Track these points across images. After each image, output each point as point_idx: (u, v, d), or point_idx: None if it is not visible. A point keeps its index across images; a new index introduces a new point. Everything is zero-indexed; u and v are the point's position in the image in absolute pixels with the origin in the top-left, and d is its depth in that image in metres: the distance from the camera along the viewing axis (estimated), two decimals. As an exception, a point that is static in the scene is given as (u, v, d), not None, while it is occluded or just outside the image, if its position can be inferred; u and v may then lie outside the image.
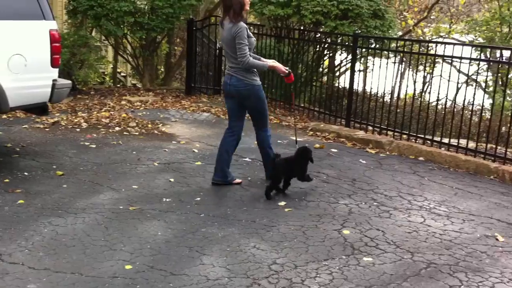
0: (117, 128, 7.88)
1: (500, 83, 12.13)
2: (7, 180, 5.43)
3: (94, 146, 6.89)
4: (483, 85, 13.89)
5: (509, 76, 8.07)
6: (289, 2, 9.65)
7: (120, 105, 9.59)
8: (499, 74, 11.50)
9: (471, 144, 7.24)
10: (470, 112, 9.05)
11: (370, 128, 8.19)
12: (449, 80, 7.65)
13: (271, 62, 5.52)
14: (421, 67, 11.20)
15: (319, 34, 9.80)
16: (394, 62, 8.93)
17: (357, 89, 9.02)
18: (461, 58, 7.23)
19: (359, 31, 9.03)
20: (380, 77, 8.13)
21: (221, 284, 3.60)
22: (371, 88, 8.59)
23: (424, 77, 12.67)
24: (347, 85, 8.72)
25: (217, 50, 11.16)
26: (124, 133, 7.67)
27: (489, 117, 9.24)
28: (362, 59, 9.71)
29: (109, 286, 3.52)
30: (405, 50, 8.27)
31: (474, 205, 5.42)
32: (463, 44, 10.36)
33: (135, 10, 10.67)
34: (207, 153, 6.82)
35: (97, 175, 5.77)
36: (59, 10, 15.71)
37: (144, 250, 4.05)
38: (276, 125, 8.59)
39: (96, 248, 4.05)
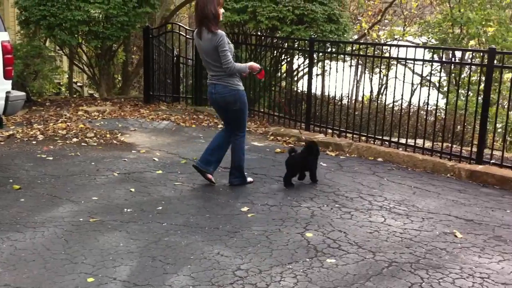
0: (74, 139, 7.75)
1: (454, 82, 12.47)
2: (-39, 197, 5.27)
3: (51, 158, 6.76)
4: (437, 85, 14.24)
5: (462, 76, 8.29)
6: (245, 8, 9.70)
7: (77, 115, 9.44)
8: (452, 74, 11.81)
9: (428, 144, 7.40)
10: (425, 113, 9.23)
11: (330, 131, 8.28)
12: (404, 82, 7.82)
13: (248, 63, 5.80)
14: (377, 70, 11.40)
15: (276, 40, 9.86)
16: (351, 66, 9.05)
17: (316, 93, 9.10)
18: (414, 60, 7.40)
19: (315, 36, 9.12)
20: (337, 80, 8.24)
21: (186, 292, 3.58)
22: (329, 92, 8.69)
23: (381, 79, 12.89)
24: (305, 89, 8.80)
25: (175, 58, 11.11)
26: (82, 144, 7.55)
27: (444, 116, 9.45)
28: (319, 63, 9.81)
29: (71, 301, 3.45)
30: (361, 53, 8.40)
31: (432, 203, 5.53)
32: (417, 46, 10.60)
33: (89, 19, 10.52)
34: (167, 161, 6.76)
35: (55, 188, 5.65)
36: (11, 21, 15.40)
37: (106, 262, 3.99)
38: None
39: (57, 262, 3.96)
